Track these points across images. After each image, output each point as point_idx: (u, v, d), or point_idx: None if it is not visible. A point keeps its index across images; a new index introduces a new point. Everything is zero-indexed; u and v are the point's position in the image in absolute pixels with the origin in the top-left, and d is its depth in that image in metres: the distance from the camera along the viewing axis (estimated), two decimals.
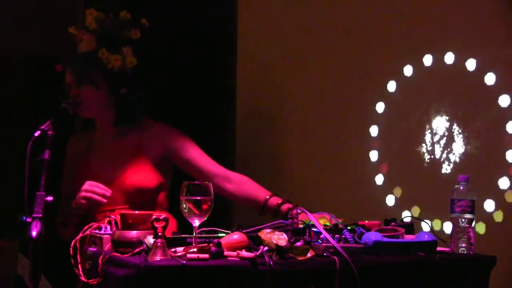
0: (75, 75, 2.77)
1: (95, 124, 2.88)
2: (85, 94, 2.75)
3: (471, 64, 3.06)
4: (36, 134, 2.24)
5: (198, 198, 2.03)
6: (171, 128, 2.88)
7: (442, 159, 3.13)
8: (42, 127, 2.26)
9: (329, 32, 3.72)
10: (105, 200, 2.58)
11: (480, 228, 2.93)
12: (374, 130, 3.47)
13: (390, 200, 3.36)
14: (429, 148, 3.19)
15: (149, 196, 2.75)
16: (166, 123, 2.91)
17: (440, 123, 3.16)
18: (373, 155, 3.46)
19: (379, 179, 3.43)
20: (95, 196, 2.56)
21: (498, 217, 2.93)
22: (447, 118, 3.14)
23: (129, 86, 2.82)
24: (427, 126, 3.21)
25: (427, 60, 3.25)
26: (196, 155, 2.85)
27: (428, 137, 3.20)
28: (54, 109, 2.53)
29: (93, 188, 2.58)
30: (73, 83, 2.77)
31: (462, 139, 3.07)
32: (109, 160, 2.80)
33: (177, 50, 4.15)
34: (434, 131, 3.18)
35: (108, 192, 2.58)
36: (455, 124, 3.10)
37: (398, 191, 3.33)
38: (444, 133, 3.12)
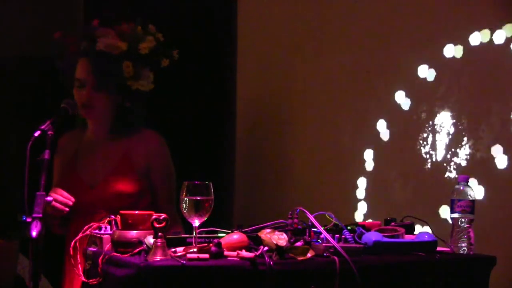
0: (97, 79, 2.77)
1: (87, 124, 2.90)
2: (98, 99, 2.78)
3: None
4: (36, 134, 2.24)
5: (198, 198, 2.03)
6: (158, 145, 2.89)
7: (445, 160, 3.13)
8: (42, 127, 2.26)
9: (329, 31, 3.72)
10: (66, 209, 2.58)
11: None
12: (374, 130, 3.47)
13: (390, 200, 3.35)
14: (432, 148, 3.19)
15: (130, 201, 2.74)
16: (157, 133, 2.92)
17: (445, 122, 3.16)
18: (374, 155, 3.46)
19: (380, 178, 3.43)
20: (57, 205, 2.56)
21: None
22: (452, 115, 3.13)
23: (136, 102, 2.85)
24: (431, 126, 3.21)
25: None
26: (159, 182, 2.86)
27: (431, 137, 3.20)
28: (54, 109, 2.53)
29: (56, 196, 2.57)
30: (91, 85, 2.77)
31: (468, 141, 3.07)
32: (95, 162, 2.83)
33: (177, 48, 4.15)
34: (438, 131, 3.18)
35: (70, 201, 2.58)
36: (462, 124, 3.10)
37: (399, 191, 3.33)
38: (448, 133, 3.12)
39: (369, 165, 3.46)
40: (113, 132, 2.86)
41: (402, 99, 3.33)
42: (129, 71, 2.78)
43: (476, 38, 3.01)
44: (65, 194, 2.59)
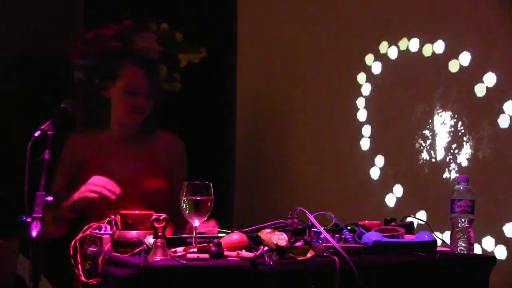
0: (151, 88, 2.80)
1: (104, 124, 2.90)
2: (149, 106, 2.83)
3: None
4: (36, 134, 2.23)
5: (198, 198, 2.04)
6: (179, 146, 2.97)
7: (446, 161, 3.13)
8: (42, 127, 2.25)
9: (329, 31, 3.72)
10: (114, 197, 2.57)
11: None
12: (375, 130, 3.47)
13: (391, 200, 3.35)
14: (431, 148, 3.19)
15: (159, 199, 2.79)
16: (174, 133, 2.98)
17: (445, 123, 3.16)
18: (376, 155, 3.46)
19: (380, 179, 3.43)
20: (105, 191, 2.56)
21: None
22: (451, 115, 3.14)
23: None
24: (430, 125, 3.21)
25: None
26: (181, 182, 2.88)
27: (430, 137, 3.20)
28: (54, 109, 2.52)
29: (103, 183, 2.57)
30: (145, 93, 2.79)
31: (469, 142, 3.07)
32: (124, 162, 2.84)
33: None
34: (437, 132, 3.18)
35: (117, 190, 2.58)
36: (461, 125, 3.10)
37: (399, 191, 3.33)
38: (449, 133, 3.12)
39: (369, 165, 3.46)
40: (139, 132, 2.90)
41: (403, 97, 3.33)
42: (164, 74, 2.84)
43: None
44: (112, 182, 2.58)
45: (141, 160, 2.86)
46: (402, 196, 3.31)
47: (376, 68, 3.45)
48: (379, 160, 3.43)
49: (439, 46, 3.16)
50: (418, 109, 3.25)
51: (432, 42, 3.19)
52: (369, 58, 3.48)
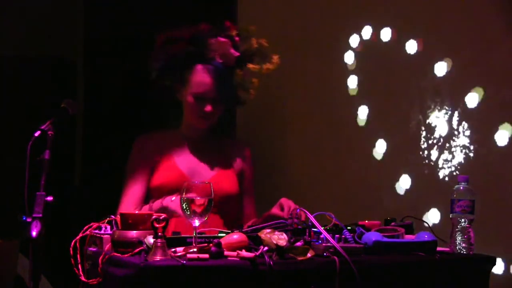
0: (222, 95, 2.77)
1: (179, 128, 2.90)
2: (218, 111, 2.81)
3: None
4: (36, 134, 2.23)
5: (198, 198, 2.04)
6: (249, 152, 2.97)
7: (444, 160, 3.13)
8: (42, 127, 2.25)
9: (329, 31, 3.72)
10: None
11: None
12: (376, 129, 3.47)
13: (391, 199, 3.35)
14: (430, 148, 3.19)
15: (234, 203, 2.81)
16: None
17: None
18: (376, 155, 3.46)
19: (381, 178, 3.43)
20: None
21: None
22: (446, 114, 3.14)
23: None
24: (430, 124, 3.22)
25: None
26: (249, 188, 2.93)
27: (430, 137, 3.20)
28: (54, 109, 2.53)
29: None
30: (215, 99, 2.76)
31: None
32: (201, 165, 2.83)
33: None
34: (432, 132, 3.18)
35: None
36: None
37: (399, 191, 3.33)
38: (450, 131, 3.12)
39: (369, 165, 3.46)
40: (208, 136, 2.90)
41: (404, 96, 3.33)
42: (239, 79, 2.81)
43: None
44: None
45: (214, 165, 2.84)
46: (402, 196, 3.30)
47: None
48: (380, 160, 3.43)
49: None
50: (418, 113, 3.25)
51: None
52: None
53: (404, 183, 3.30)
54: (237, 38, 2.81)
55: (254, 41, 2.84)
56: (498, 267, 2.73)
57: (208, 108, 2.75)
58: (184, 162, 2.82)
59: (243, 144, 3.01)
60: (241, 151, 2.95)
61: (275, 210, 2.52)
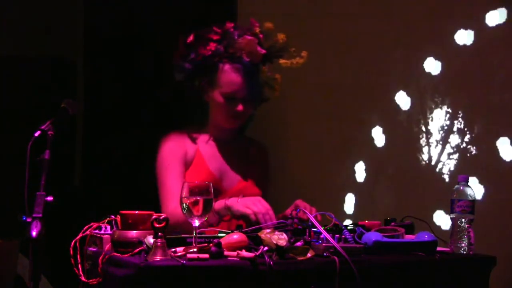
0: (254, 96, 2.75)
1: (203, 126, 2.86)
2: (248, 112, 2.78)
3: None
4: (36, 134, 2.23)
5: (198, 198, 2.04)
6: (268, 156, 2.96)
7: (442, 162, 3.13)
8: (42, 127, 2.25)
9: (329, 31, 3.72)
10: (269, 223, 2.44)
11: None
12: (376, 128, 3.47)
13: (391, 200, 3.35)
14: (428, 151, 3.19)
15: None
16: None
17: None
18: (376, 154, 3.46)
19: (379, 178, 3.43)
20: (266, 216, 2.44)
21: None
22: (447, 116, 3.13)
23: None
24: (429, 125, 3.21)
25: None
26: (264, 192, 2.87)
27: (430, 137, 3.20)
28: (54, 109, 2.52)
29: (267, 206, 2.47)
30: (247, 100, 2.74)
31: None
32: (229, 168, 2.81)
33: (178, 49, 4.16)
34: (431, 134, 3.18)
35: (274, 221, 2.43)
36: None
37: (398, 191, 3.33)
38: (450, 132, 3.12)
39: (369, 165, 3.46)
40: (234, 137, 2.87)
41: (403, 99, 3.33)
42: (264, 77, 2.79)
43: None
44: (272, 212, 2.49)
45: (241, 168, 2.83)
46: (402, 195, 3.31)
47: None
48: (379, 160, 3.43)
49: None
50: (419, 109, 3.25)
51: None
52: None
53: (404, 183, 3.30)
54: (261, 35, 2.78)
55: (280, 37, 2.80)
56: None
57: (240, 107, 2.72)
58: (213, 163, 2.79)
59: (261, 144, 2.98)
60: (263, 155, 2.94)
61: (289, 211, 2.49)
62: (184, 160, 2.77)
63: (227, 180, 2.77)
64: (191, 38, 2.77)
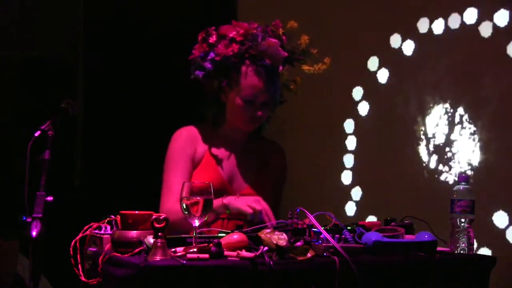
0: (273, 99, 2.70)
1: (218, 124, 2.81)
2: (266, 114, 2.73)
3: None
4: (36, 134, 2.23)
5: (198, 198, 2.04)
6: (286, 160, 2.90)
7: (443, 161, 3.13)
8: (42, 127, 2.25)
9: (329, 30, 3.72)
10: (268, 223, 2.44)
11: None
12: (376, 129, 3.47)
13: (391, 200, 3.35)
14: (428, 148, 3.19)
15: None
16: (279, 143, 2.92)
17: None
18: (376, 154, 3.46)
19: (379, 178, 3.43)
20: (266, 218, 2.45)
21: None
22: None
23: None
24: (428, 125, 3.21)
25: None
26: (278, 198, 2.85)
27: (429, 137, 3.20)
28: (54, 109, 2.52)
29: (266, 206, 2.47)
30: (266, 103, 2.69)
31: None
32: (239, 170, 2.77)
33: (178, 48, 4.16)
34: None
35: (274, 221, 2.44)
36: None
37: (397, 191, 3.33)
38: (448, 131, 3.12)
39: (369, 165, 3.46)
40: (249, 138, 2.82)
41: (403, 94, 3.33)
42: (283, 79, 2.75)
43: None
44: (271, 213, 2.49)
45: (252, 171, 2.77)
46: (402, 196, 3.31)
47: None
48: (379, 160, 3.43)
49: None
50: (420, 109, 3.25)
51: None
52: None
53: (404, 182, 3.30)
54: (284, 37, 2.73)
55: (303, 40, 2.75)
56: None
57: (259, 113, 2.68)
58: (223, 164, 2.75)
59: (280, 147, 2.92)
60: (280, 158, 2.88)
61: None
62: (192, 158, 2.73)
63: (236, 184, 2.73)
64: (213, 37, 2.70)
